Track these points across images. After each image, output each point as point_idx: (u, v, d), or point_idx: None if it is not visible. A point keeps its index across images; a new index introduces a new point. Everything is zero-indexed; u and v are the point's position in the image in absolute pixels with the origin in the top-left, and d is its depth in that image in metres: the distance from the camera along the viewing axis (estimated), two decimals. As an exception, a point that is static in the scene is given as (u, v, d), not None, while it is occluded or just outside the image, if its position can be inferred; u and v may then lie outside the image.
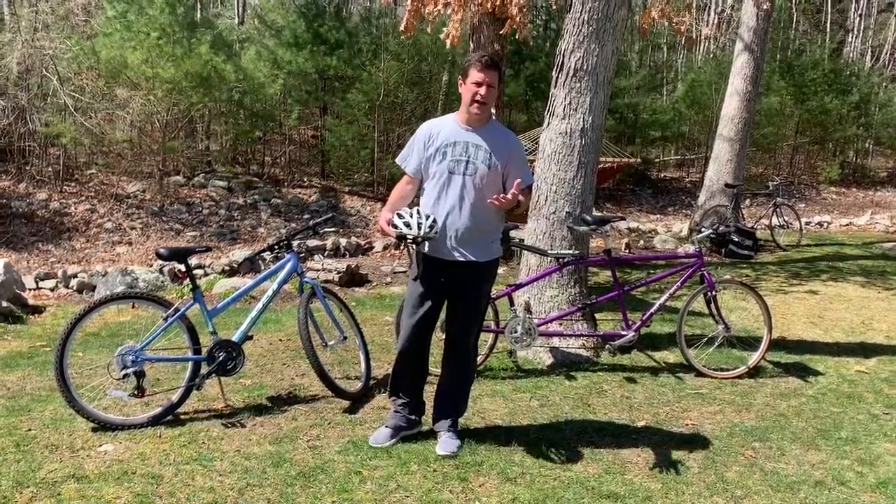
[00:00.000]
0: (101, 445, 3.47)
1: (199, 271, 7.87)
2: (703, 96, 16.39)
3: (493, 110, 3.54)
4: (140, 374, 3.67)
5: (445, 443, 3.50)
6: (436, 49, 12.67)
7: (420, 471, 3.31)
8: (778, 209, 10.63)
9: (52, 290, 7.30)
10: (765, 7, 9.75)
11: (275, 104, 12.80)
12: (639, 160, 13.86)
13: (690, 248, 6.36)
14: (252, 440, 3.57)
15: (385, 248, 9.69)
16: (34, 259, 8.29)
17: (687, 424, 4.03)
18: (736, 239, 9.29)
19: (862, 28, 25.61)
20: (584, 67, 4.90)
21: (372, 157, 12.53)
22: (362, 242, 9.85)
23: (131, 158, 11.15)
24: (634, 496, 3.18)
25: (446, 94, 12.91)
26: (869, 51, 25.73)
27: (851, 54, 24.27)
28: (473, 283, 3.46)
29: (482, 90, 3.31)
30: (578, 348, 5.04)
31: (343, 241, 9.56)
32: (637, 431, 3.91)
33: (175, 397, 3.84)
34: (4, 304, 6.10)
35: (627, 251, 9.80)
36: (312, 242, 9.14)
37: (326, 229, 4.71)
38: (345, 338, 4.39)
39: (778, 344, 5.47)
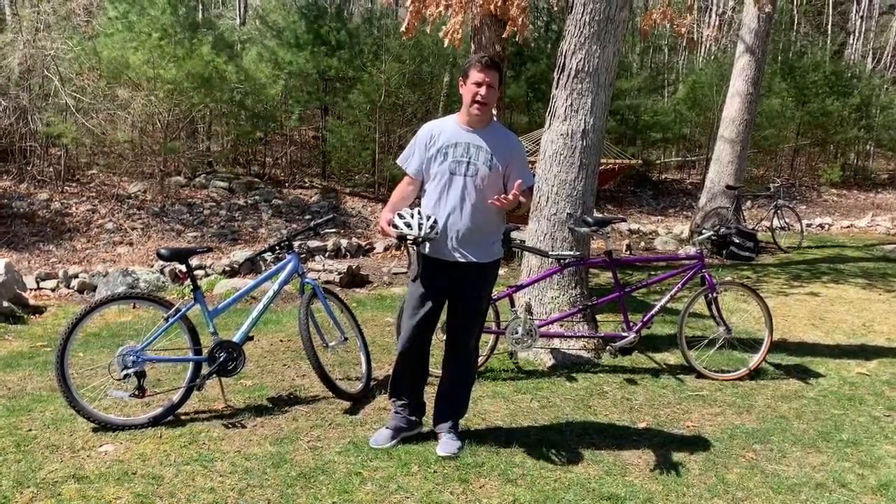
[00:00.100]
0: (101, 446, 3.47)
1: (199, 272, 7.88)
2: (705, 98, 16.40)
3: (494, 111, 3.54)
4: (141, 375, 3.67)
5: (446, 444, 3.50)
6: (437, 50, 12.68)
7: (421, 472, 3.30)
8: (779, 211, 10.63)
9: (52, 290, 7.30)
10: (766, 9, 9.75)
11: (276, 105, 12.81)
12: (640, 161, 13.87)
13: (691, 250, 6.36)
14: (253, 441, 3.57)
15: (386, 249, 9.69)
16: (35, 259, 8.29)
17: (688, 426, 4.02)
18: (737, 241, 9.29)
19: (863, 30, 25.61)
20: (586, 69, 4.90)
21: (373, 157, 12.53)
22: (363, 243, 9.85)
23: (132, 159, 11.15)
24: (635, 498, 3.18)
25: (447, 96, 12.92)
26: (870, 53, 25.72)
27: (853, 56, 24.27)
28: (474, 284, 3.46)
29: (482, 90, 3.31)
30: (579, 350, 5.03)
31: (344, 242, 9.56)
32: (638, 433, 3.91)
33: (176, 398, 3.84)
34: (5, 304, 6.11)
35: (628, 253, 9.80)
36: (313, 243, 9.14)
37: (327, 230, 4.71)
38: (346, 339, 4.39)
39: (779, 346, 5.47)
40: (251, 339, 4.12)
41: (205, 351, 3.88)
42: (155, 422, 3.71)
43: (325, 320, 4.37)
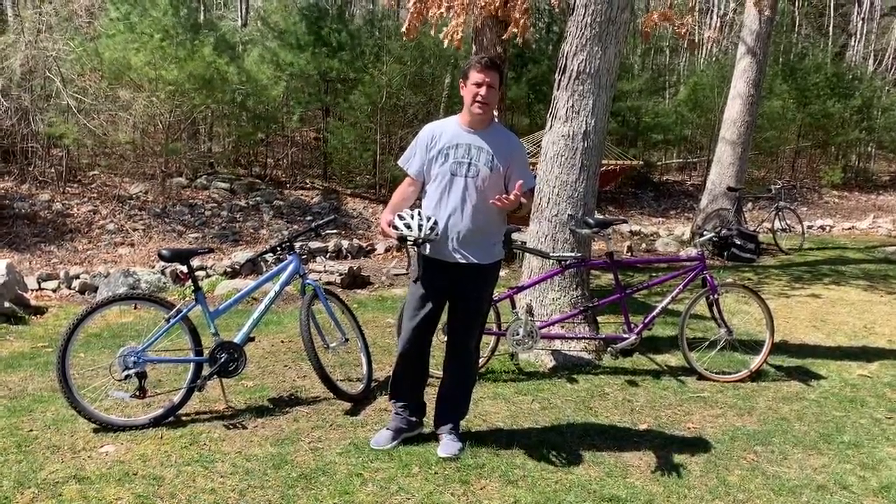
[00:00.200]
0: (102, 446, 3.47)
1: (201, 273, 7.88)
2: (706, 99, 16.40)
3: (495, 113, 3.54)
4: (142, 375, 3.67)
5: (447, 445, 3.50)
6: (438, 52, 12.68)
7: (421, 473, 3.30)
8: (780, 213, 10.63)
9: (54, 290, 7.30)
10: (767, 11, 9.75)
11: (277, 106, 12.82)
12: (641, 162, 13.87)
13: (693, 252, 6.36)
14: (253, 442, 3.57)
15: (387, 250, 9.70)
16: (36, 260, 8.30)
17: (689, 428, 4.02)
18: (738, 242, 9.29)
19: (864, 32, 25.61)
20: (587, 70, 4.90)
21: (374, 159, 12.54)
22: (364, 244, 9.85)
23: (134, 160, 11.16)
24: (636, 499, 3.17)
25: (448, 97, 12.92)
26: (871, 55, 25.72)
27: (854, 58, 24.27)
28: (474, 285, 3.46)
29: (483, 91, 3.31)
30: (580, 351, 5.03)
31: (345, 243, 9.56)
32: (639, 435, 3.90)
33: (177, 398, 3.84)
34: (7, 304, 6.11)
35: (629, 254, 9.80)
36: (314, 244, 9.15)
37: (328, 231, 4.72)
38: (346, 339, 4.39)
39: (780, 347, 5.46)
40: (252, 339, 4.13)
41: (206, 352, 3.88)
42: (156, 422, 3.71)
43: (326, 321, 4.37)
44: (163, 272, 7.61)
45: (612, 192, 14.50)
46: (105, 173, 11.00)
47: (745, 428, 4.03)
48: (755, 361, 4.89)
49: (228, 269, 8.05)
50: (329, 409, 4.04)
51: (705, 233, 5.24)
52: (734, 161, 10.09)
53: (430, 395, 3.74)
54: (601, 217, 5.08)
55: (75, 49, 10.38)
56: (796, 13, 23.74)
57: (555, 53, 12.63)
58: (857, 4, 26.08)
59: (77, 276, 7.50)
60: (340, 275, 7.64)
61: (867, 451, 3.79)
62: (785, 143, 17.49)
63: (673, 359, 5.17)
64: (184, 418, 3.82)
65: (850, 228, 13.41)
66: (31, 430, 3.62)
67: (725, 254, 9.47)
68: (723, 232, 5.41)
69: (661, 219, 13.93)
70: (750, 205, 13.27)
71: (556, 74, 5.09)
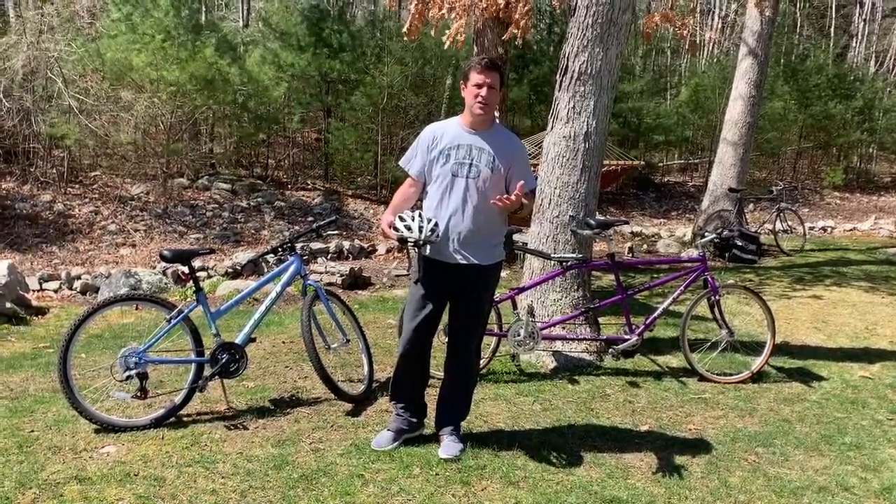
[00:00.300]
0: (103, 447, 3.47)
1: (202, 273, 7.88)
2: (707, 101, 16.40)
3: (496, 114, 3.54)
4: (143, 376, 3.67)
5: (448, 446, 3.50)
6: (440, 53, 12.67)
7: (422, 474, 3.30)
8: (781, 214, 10.62)
9: (55, 291, 7.31)
10: (768, 12, 9.75)
11: (279, 107, 12.83)
12: (642, 163, 13.87)
13: (694, 253, 6.36)
14: (254, 442, 3.57)
15: (388, 250, 9.70)
16: (38, 260, 8.31)
17: (690, 429, 4.02)
18: (739, 243, 9.28)
19: (866, 33, 25.60)
20: (588, 71, 4.90)
21: (375, 160, 12.55)
22: (365, 245, 9.86)
23: (135, 160, 11.17)
24: (637, 500, 3.17)
25: (450, 98, 12.93)
26: (873, 56, 25.72)
27: (855, 59, 24.27)
28: (475, 286, 3.46)
29: (483, 91, 3.31)
30: (581, 352, 5.03)
31: (346, 244, 9.57)
32: (640, 436, 3.90)
33: (178, 399, 3.84)
34: (8, 305, 6.12)
35: (631, 255, 9.79)
36: (316, 245, 9.15)
37: (329, 232, 4.72)
38: (347, 340, 4.39)
39: (781, 349, 5.46)
40: (253, 340, 4.13)
41: (207, 352, 3.88)
42: (157, 423, 3.71)
43: (327, 322, 4.38)
44: (164, 273, 7.61)
45: (614, 194, 14.51)
46: (106, 174, 11.01)
47: (747, 429, 4.03)
48: (756, 363, 4.88)
49: (230, 270, 8.06)
50: (330, 409, 4.04)
51: (706, 234, 5.24)
52: (735, 162, 10.09)
53: (432, 396, 3.74)
54: (602, 218, 5.07)
55: (77, 50, 10.39)
56: (798, 14, 23.74)
57: (556, 54, 12.63)
58: (858, 6, 26.08)
59: (78, 277, 7.50)
60: (341, 275, 7.64)
61: (869, 453, 3.79)
62: (786, 144, 17.49)
63: (674, 360, 5.17)
64: (185, 419, 3.82)
65: (851, 230, 13.40)
66: (33, 431, 3.63)
67: (727, 255, 9.46)
68: (724, 233, 5.40)
69: (662, 220, 13.93)
70: (751, 206, 13.27)
71: (558, 75, 5.09)
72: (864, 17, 25.67)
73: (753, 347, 5.04)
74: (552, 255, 4.90)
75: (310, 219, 10.90)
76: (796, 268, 9.23)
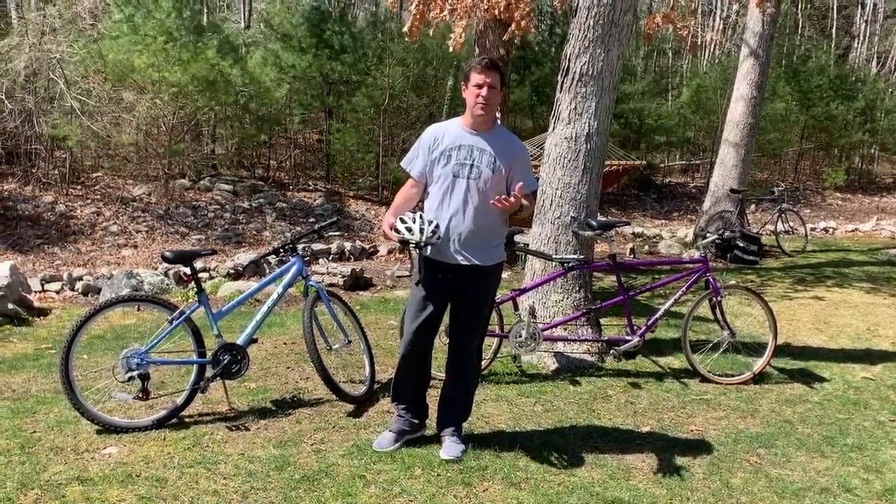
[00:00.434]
0: (105, 448, 3.47)
1: (204, 274, 7.88)
2: (709, 101, 16.40)
3: (497, 114, 3.54)
4: (145, 377, 3.68)
5: (449, 447, 3.50)
6: (441, 53, 12.69)
7: (424, 475, 3.30)
8: (783, 215, 10.62)
9: (57, 292, 7.31)
10: (770, 12, 9.74)
11: (280, 108, 12.84)
12: (643, 162, 13.87)
13: (695, 254, 6.35)
14: (256, 443, 3.57)
15: (389, 251, 9.70)
16: (40, 261, 8.32)
17: (692, 430, 4.01)
18: (741, 244, 9.27)
19: (868, 34, 25.60)
20: (590, 72, 4.90)
21: (377, 161, 12.55)
22: (367, 246, 9.86)
23: (137, 161, 11.18)
24: (639, 502, 3.17)
25: (451, 99, 12.94)
26: (875, 56, 25.70)
27: (857, 60, 24.26)
28: (475, 287, 3.46)
29: (484, 91, 3.31)
30: (583, 353, 5.03)
31: (347, 245, 9.57)
32: (642, 437, 3.90)
33: (180, 400, 3.84)
34: (10, 306, 6.12)
35: (632, 256, 9.79)
36: (317, 246, 9.15)
37: (331, 233, 4.73)
38: (349, 341, 4.39)
39: (783, 350, 5.45)
40: (255, 341, 4.13)
41: (209, 353, 3.89)
42: (159, 424, 3.71)
43: (328, 323, 4.38)
44: (166, 274, 7.62)
45: (615, 194, 14.51)
46: (108, 175, 11.02)
47: (748, 430, 4.02)
48: (758, 364, 4.88)
49: (231, 271, 8.06)
50: (332, 410, 4.05)
51: (708, 235, 5.23)
52: (737, 163, 10.08)
53: (433, 397, 3.74)
54: (604, 219, 5.07)
55: (79, 51, 10.40)
56: (799, 15, 23.73)
57: (558, 56, 12.64)
58: (860, 6, 26.06)
59: (80, 278, 7.51)
60: (343, 276, 7.65)
61: (870, 454, 3.79)
62: (788, 145, 17.49)
63: (676, 361, 5.17)
64: (187, 420, 3.83)
65: (853, 230, 13.39)
66: (35, 432, 3.63)
67: (728, 256, 9.45)
68: (726, 234, 5.39)
69: (663, 221, 13.93)
70: (753, 207, 13.27)
71: (559, 77, 5.10)
72: (865, 17, 25.66)
73: (755, 348, 5.04)
74: (553, 256, 4.89)
75: (311, 220, 10.90)
76: (798, 269, 9.22)
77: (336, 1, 15.40)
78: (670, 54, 20.64)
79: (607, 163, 7.70)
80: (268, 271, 8.00)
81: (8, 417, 3.81)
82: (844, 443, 3.91)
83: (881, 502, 3.30)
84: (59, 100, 10.23)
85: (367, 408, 4.12)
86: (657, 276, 7.60)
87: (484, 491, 3.19)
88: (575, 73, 4.94)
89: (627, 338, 4.76)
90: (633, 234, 11.86)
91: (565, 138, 4.99)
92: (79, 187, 10.41)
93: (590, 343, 5.02)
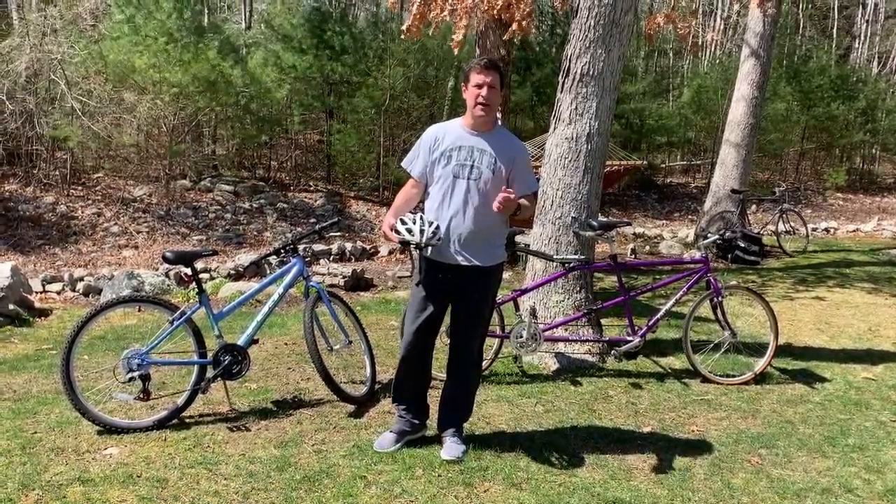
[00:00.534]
0: (106, 448, 3.47)
1: (204, 275, 7.89)
2: (710, 102, 16.39)
3: (498, 115, 3.54)
4: (146, 378, 3.68)
5: (450, 448, 3.50)
6: (442, 54, 12.69)
7: (425, 476, 3.30)
8: (784, 215, 10.61)
9: (58, 293, 7.32)
10: (771, 13, 9.74)
11: (281, 109, 12.84)
12: (644, 162, 13.86)
13: (696, 254, 6.35)
14: (257, 444, 3.57)
15: (390, 252, 9.70)
16: (41, 262, 8.32)
17: (693, 430, 4.01)
18: (742, 245, 9.27)
19: (869, 34, 25.59)
20: (591, 72, 4.90)
21: (377, 161, 12.55)
22: (367, 247, 9.86)
23: (138, 162, 11.18)
24: (640, 502, 3.17)
25: (452, 100, 12.94)
26: (876, 57, 25.70)
27: (858, 60, 24.26)
28: (476, 287, 3.45)
29: (484, 91, 3.31)
30: (584, 354, 5.02)
31: (348, 246, 9.57)
32: (643, 437, 3.89)
33: (180, 401, 3.84)
34: (11, 306, 6.13)
35: (633, 256, 9.79)
36: (318, 247, 9.15)
37: (332, 233, 4.73)
38: (350, 342, 4.39)
39: (784, 350, 5.45)
40: (256, 342, 4.13)
41: (209, 354, 3.89)
42: (159, 425, 3.71)
43: (329, 323, 4.38)
44: (167, 274, 7.62)
45: (616, 195, 14.50)
46: (109, 175, 11.02)
47: (750, 431, 4.02)
48: (759, 364, 4.88)
49: (232, 272, 8.06)
50: (332, 411, 4.05)
51: (709, 235, 5.23)
52: (738, 163, 10.07)
53: (434, 397, 3.74)
54: (605, 219, 5.07)
55: (80, 52, 10.41)
56: (800, 15, 23.73)
57: (558, 56, 12.64)
58: (861, 6, 26.05)
59: (81, 279, 7.51)
60: (344, 277, 7.64)
61: (872, 455, 3.78)
62: (789, 145, 17.48)
63: (677, 361, 5.16)
64: (187, 420, 3.83)
65: (854, 231, 13.38)
66: (36, 433, 3.63)
67: (729, 256, 9.45)
68: (726, 234, 5.39)
69: (664, 221, 13.92)
70: (754, 207, 13.26)
71: (560, 77, 5.09)
72: (866, 17, 25.65)
73: (756, 349, 5.04)
74: (554, 257, 4.89)
75: (312, 220, 10.90)
76: (799, 269, 9.22)
77: (337, 1, 15.42)
78: (671, 54, 20.64)
79: (608, 163, 7.69)
80: (269, 272, 7.99)
81: (9, 418, 3.81)
82: (846, 443, 3.91)
83: (882, 502, 3.30)
84: (60, 101, 10.24)
85: (367, 408, 4.12)
86: (658, 277, 7.59)
87: (485, 491, 3.19)
88: (576, 73, 4.94)
89: (628, 338, 4.76)
90: (634, 234, 11.85)
91: (566, 139, 4.99)
92: (80, 188, 10.42)
93: (591, 343, 5.02)
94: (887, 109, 19.06)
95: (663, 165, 17.18)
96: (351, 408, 4.09)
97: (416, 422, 3.64)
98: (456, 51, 7.61)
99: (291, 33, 12.89)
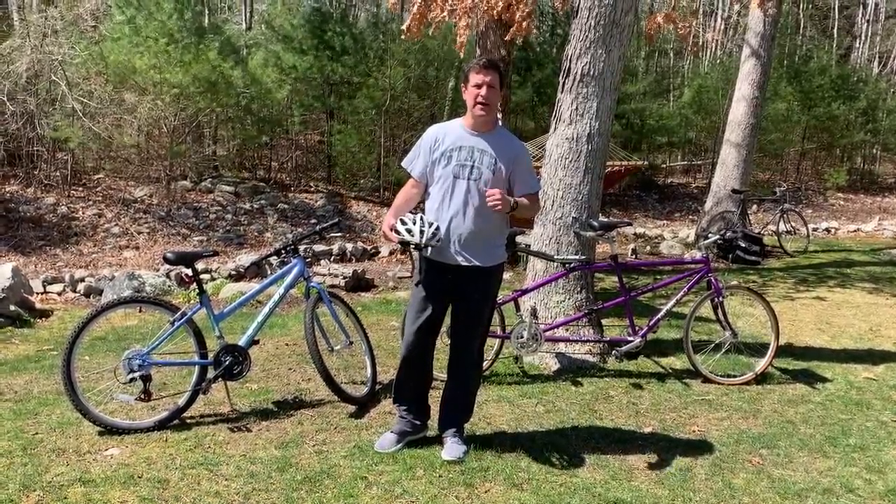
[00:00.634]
0: (107, 449, 3.47)
1: (205, 276, 7.89)
2: (710, 102, 16.39)
3: (499, 115, 3.54)
4: (146, 378, 3.68)
5: (451, 448, 3.49)
6: (442, 55, 12.69)
7: (426, 476, 3.30)
8: (785, 215, 10.61)
9: (59, 294, 7.32)
10: (771, 13, 9.74)
11: (282, 109, 12.85)
12: (645, 163, 13.85)
13: (697, 254, 6.35)
14: (258, 444, 3.57)
15: (391, 252, 9.70)
16: (42, 263, 8.32)
17: (694, 431, 4.01)
18: (743, 245, 9.26)
19: (869, 34, 25.58)
20: (591, 73, 4.90)
21: (378, 162, 12.56)
22: (368, 247, 9.86)
23: (139, 163, 11.19)
24: (641, 502, 3.17)
25: (452, 100, 12.94)
26: (876, 56, 25.69)
27: (859, 60, 24.24)
28: (476, 287, 3.45)
29: (483, 91, 3.31)
30: (585, 354, 5.02)
31: (349, 246, 9.57)
32: (644, 437, 3.89)
33: (181, 401, 3.84)
34: (12, 307, 6.13)
35: (634, 257, 9.78)
36: (319, 247, 9.16)
37: (332, 234, 4.73)
38: (351, 342, 4.39)
39: (785, 350, 5.45)
40: (257, 342, 4.13)
41: (210, 355, 3.89)
42: (160, 425, 3.71)
43: (330, 324, 4.38)
44: (167, 275, 7.62)
45: (617, 195, 14.50)
46: (110, 176, 11.03)
47: (751, 431, 4.02)
48: (760, 364, 4.87)
49: (233, 272, 8.07)
50: (333, 412, 4.05)
51: (710, 235, 5.23)
52: (739, 163, 10.07)
53: (435, 398, 3.74)
54: (605, 220, 5.06)
55: (80, 53, 10.41)
56: (801, 15, 23.72)
57: (559, 56, 12.64)
58: (861, 6, 26.04)
59: (82, 280, 7.51)
60: (344, 277, 7.65)
61: (873, 454, 3.78)
62: (789, 145, 17.47)
63: (678, 361, 5.16)
64: (188, 421, 3.83)
65: (855, 230, 13.37)
66: (37, 433, 3.63)
67: (730, 256, 9.44)
68: (727, 234, 5.39)
69: (665, 221, 13.91)
70: (755, 207, 13.25)
71: (560, 77, 5.09)
72: (867, 17, 25.64)
73: (757, 349, 5.03)
74: (555, 257, 4.89)
75: (313, 221, 10.90)
76: (800, 269, 9.22)
77: (337, 2, 15.42)
78: (672, 55, 20.63)
79: (609, 163, 7.69)
80: (269, 272, 8.00)
81: (10, 419, 3.82)
82: (847, 443, 3.91)
83: (884, 503, 3.30)
84: (61, 101, 10.24)
85: (368, 409, 4.12)
86: (659, 277, 7.59)
87: (486, 492, 3.19)
88: (576, 73, 4.94)
89: (629, 338, 4.75)
90: (635, 234, 11.85)
91: (567, 139, 4.99)
92: (80, 189, 10.42)
93: (591, 344, 5.01)
94: (888, 109, 19.05)
95: (664, 165, 17.17)
96: (352, 408, 4.09)
97: (418, 422, 3.64)
98: (461, 52, 7.61)
99: (292, 34, 12.89)
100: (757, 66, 9.87)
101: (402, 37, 8.08)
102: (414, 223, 3.28)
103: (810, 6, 24.84)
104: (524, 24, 7.35)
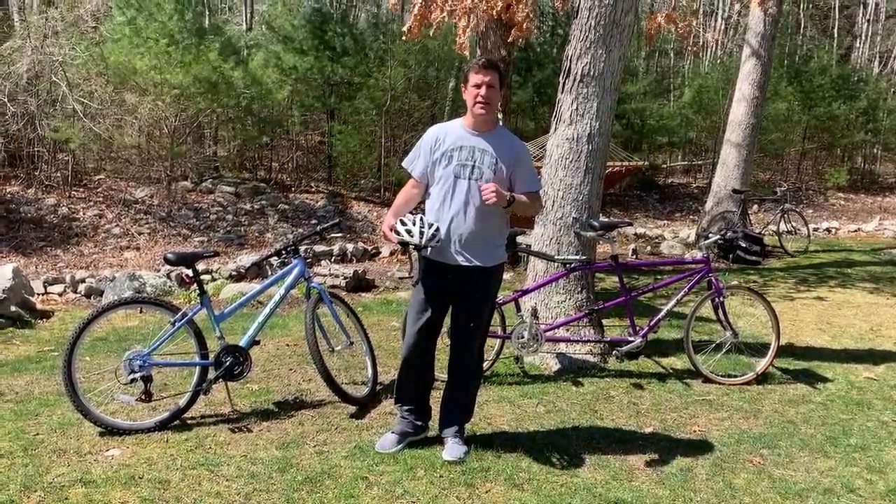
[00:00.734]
0: (108, 450, 3.48)
1: (206, 276, 7.89)
2: (711, 102, 16.38)
3: (499, 115, 3.54)
4: (147, 379, 3.68)
5: (452, 448, 3.50)
6: (443, 55, 12.69)
7: (426, 476, 3.30)
8: (786, 215, 10.60)
9: (60, 294, 7.32)
10: (771, 13, 9.74)
11: (282, 110, 12.85)
12: (646, 163, 13.85)
13: (698, 254, 6.35)
14: (259, 445, 3.58)
15: (392, 253, 9.70)
16: (42, 264, 8.33)
17: (694, 431, 4.01)
18: (743, 245, 9.25)
19: (870, 33, 25.57)
20: (591, 73, 4.90)
21: (378, 162, 12.56)
22: (369, 247, 9.86)
23: (139, 164, 11.19)
24: (642, 502, 3.17)
25: (453, 101, 12.94)
26: (877, 56, 25.68)
27: (859, 60, 24.23)
28: (476, 287, 3.45)
29: (483, 91, 3.31)
30: (585, 354, 5.02)
31: (350, 247, 9.57)
32: (644, 438, 3.89)
33: (182, 402, 3.84)
34: (13, 308, 6.13)
35: (634, 257, 9.78)
36: (319, 248, 9.16)
37: (333, 234, 4.73)
38: (351, 343, 4.40)
39: (786, 350, 5.45)
40: (257, 343, 4.13)
41: (211, 355, 3.89)
42: (161, 426, 3.72)
43: (330, 325, 4.38)
44: (168, 276, 7.63)
45: (617, 195, 14.50)
46: (111, 177, 11.03)
47: (751, 431, 4.02)
48: (761, 364, 4.87)
49: (234, 273, 8.07)
50: (334, 412, 4.05)
51: (710, 235, 5.23)
52: (739, 163, 10.07)
53: (436, 398, 3.74)
54: (606, 220, 5.06)
55: (81, 54, 10.42)
56: (801, 15, 23.72)
57: (559, 56, 12.64)
58: (862, 6, 26.03)
59: (83, 280, 7.52)
60: (345, 278, 7.65)
61: (874, 454, 3.78)
62: (790, 145, 17.47)
63: (678, 361, 5.16)
64: (189, 422, 3.83)
65: (855, 230, 13.37)
66: (38, 434, 3.64)
67: (730, 256, 9.43)
68: (728, 234, 5.39)
69: (665, 221, 13.91)
70: (755, 207, 13.25)
71: (561, 77, 5.09)
72: (867, 17, 25.63)
73: (758, 349, 5.03)
74: (556, 257, 4.89)
75: (313, 221, 10.90)
76: (800, 269, 9.21)
77: (337, 3, 15.43)
78: (672, 55, 20.62)
79: (609, 164, 7.69)
80: (270, 273, 7.99)
81: (11, 420, 3.82)
82: (848, 443, 3.91)
83: (885, 502, 3.30)
84: (62, 102, 10.25)
85: (369, 409, 4.12)
86: (659, 277, 7.59)
87: (486, 492, 3.19)
88: (576, 73, 4.94)
89: (630, 338, 4.75)
90: (636, 234, 11.84)
91: (567, 139, 4.99)
92: (81, 190, 10.43)
93: (592, 344, 5.02)
94: (888, 109, 19.04)
95: (664, 166, 17.17)
96: (352, 409, 4.09)
97: (419, 423, 3.64)
98: (466, 53, 7.61)
99: (292, 34, 12.89)
100: (757, 66, 9.87)
101: (403, 37, 8.09)
102: (414, 224, 3.28)
103: (811, 6, 24.84)
104: (524, 24, 7.35)
